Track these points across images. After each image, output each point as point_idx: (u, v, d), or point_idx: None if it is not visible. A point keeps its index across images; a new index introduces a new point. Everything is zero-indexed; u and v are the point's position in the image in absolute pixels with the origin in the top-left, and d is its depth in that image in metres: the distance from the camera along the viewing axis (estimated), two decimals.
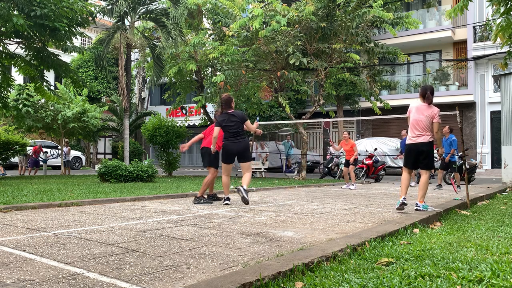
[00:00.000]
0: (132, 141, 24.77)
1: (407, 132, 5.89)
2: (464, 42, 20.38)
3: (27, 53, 11.82)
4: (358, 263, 2.87)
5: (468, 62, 19.35)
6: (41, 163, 18.15)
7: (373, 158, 14.07)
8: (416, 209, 5.50)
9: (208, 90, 16.99)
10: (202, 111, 18.48)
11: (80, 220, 4.67)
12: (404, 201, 5.52)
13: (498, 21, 6.81)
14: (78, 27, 11.83)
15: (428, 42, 20.90)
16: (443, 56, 21.19)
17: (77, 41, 18.23)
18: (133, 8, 16.81)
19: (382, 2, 13.36)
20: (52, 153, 20.76)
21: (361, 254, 3.14)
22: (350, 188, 10.53)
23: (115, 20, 16.98)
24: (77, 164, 23.20)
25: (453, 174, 11.11)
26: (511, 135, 11.28)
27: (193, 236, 3.78)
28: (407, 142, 5.76)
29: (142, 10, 17.37)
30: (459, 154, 10.99)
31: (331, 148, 19.07)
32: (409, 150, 5.70)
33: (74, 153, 22.19)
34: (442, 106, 19.95)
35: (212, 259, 2.92)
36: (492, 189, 10.15)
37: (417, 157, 5.62)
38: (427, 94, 5.63)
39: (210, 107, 22.67)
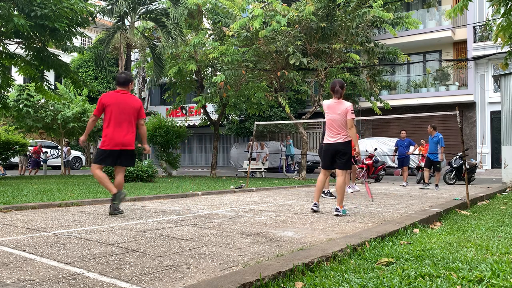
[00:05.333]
0: None
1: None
2: (464, 42, 20.38)
3: (27, 53, 11.82)
4: (358, 263, 2.86)
5: (468, 62, 19.36)
6: (41, 163, 18.16)
7: (373, 158, 14.07)
8: (337, 215, 5.14)
9: (208, 90, 16.98)
10: (202, 111, 18.47)
11: (80, 220, 4.67)
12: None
13: (499, 21, 6.81)
14: (78, 27, 11.84)
15: (428, 42, 20.90)
16: (443, 56, 21.19)
17: (77, 41, 18.23)
18: (133, 8, 16.80)
19: (382, 2, 13.34)
20: (52, 153, 20.76)
21: (361, 254, 3.14)
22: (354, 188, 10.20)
23: (115, 20, 16.97)
24: (77, 164, 23.21)
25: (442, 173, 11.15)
26: (511, 135, 11.28)
27: (193, 236, 3.78)
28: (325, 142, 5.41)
29: (142, 10, 17.35)
30: (459, 154, 11.00)
31: None
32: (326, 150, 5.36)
33: (74, 153, 22.19)
34: (442, 106, 20.10)
35: (212, 259, 2.92)
36: (492, 189, 10.14)
37: (333, 157, 5.30)
38: (336, 88, 5.29)
39: (210, 107, 22.66)
